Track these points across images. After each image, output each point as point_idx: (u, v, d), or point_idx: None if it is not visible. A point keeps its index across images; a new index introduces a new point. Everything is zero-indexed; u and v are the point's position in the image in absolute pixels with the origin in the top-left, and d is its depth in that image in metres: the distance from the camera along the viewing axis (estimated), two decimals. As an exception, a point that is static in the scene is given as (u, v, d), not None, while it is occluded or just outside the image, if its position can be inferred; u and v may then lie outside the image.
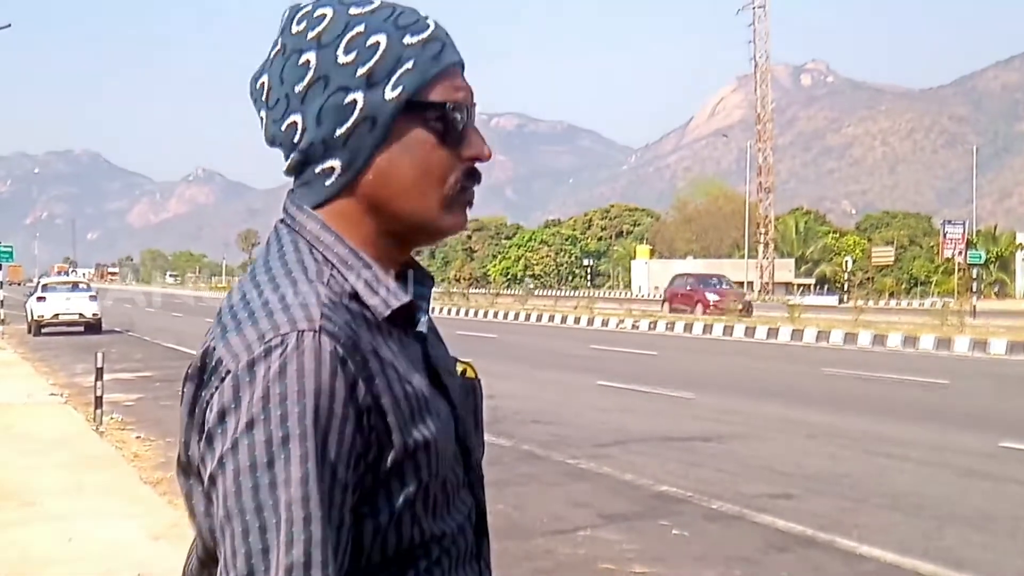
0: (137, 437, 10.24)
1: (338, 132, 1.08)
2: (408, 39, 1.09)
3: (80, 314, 27.80)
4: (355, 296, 1.08)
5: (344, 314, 1.04)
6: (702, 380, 15.96)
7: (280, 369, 0.98)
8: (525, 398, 13.38)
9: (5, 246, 32.83)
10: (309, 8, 1.12)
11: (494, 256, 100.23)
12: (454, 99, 1.11)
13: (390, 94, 1.08)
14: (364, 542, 1.05)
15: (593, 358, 20.25)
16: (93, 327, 27.81)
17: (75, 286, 29.70)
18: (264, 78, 1.12)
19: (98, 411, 10.88)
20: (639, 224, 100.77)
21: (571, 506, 7.38)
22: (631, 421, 11.52)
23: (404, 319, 1.11)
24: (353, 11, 1.10)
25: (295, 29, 1.11)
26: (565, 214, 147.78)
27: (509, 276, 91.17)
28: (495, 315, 38.29)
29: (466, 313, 40.11)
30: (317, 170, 1.11)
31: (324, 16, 1.10)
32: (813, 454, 9.52)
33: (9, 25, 36.14)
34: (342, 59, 1.08)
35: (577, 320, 33.61)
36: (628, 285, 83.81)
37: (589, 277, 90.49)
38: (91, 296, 28.46)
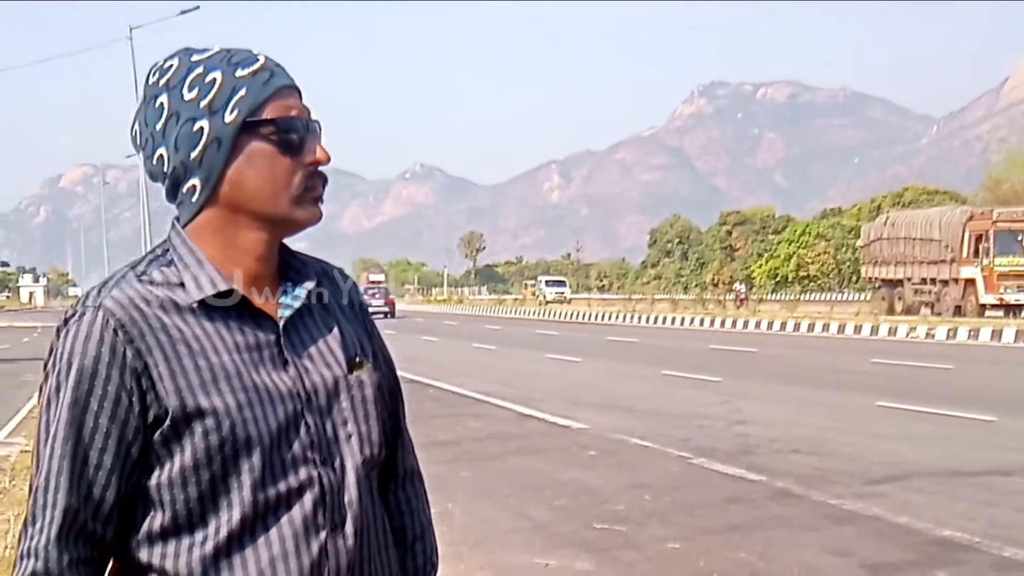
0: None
1: (193, 155, 1.57)
2: (240, 72, 1.57)
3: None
4: (181, 286, 1.58)
5: (140, 299, 1.55)
6: (1007, 399, 15.22)
7: (66, 335, 1.54)
8: (784, 424, 13.21)
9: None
10: (160, 62, 1.62)
11: (759, 255, 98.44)
12: (286, 115, 1.58)
13: (229, 117, 1.55)
14: (160, 493, 1.53)
15: (874, 374, 19.65)
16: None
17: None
18: (136, 126, 1.64)
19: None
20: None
21: (830, 555, 7.28)
22: (913, 451, 11.16)
23: (250, 309, 1.60)
24: (195, 58, 1.60)
25: (151, 81, 1.61)
26: (848, 201, 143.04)
27: (777, 278, 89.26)
28: (756, 325, 37.79)
29: (722, 323, 39.75)
30: (184, 190, 1.60)
31: (171, 66, 1.61)
32: None
33: (198, 7, 38.68)
34: (187, 96, 1.57)
35: (858, 329, 32.64)
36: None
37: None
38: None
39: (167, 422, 1.52)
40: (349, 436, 1.63)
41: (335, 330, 1.68)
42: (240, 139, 1.56)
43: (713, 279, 77.28)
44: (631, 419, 13.99)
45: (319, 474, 1.58)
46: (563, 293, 78.55)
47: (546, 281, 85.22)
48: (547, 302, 71.13)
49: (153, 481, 1.54)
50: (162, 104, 1.59)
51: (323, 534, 1.57)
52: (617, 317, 48.88)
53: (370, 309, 1.84)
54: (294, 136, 1.58)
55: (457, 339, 35.88)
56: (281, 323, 1.62)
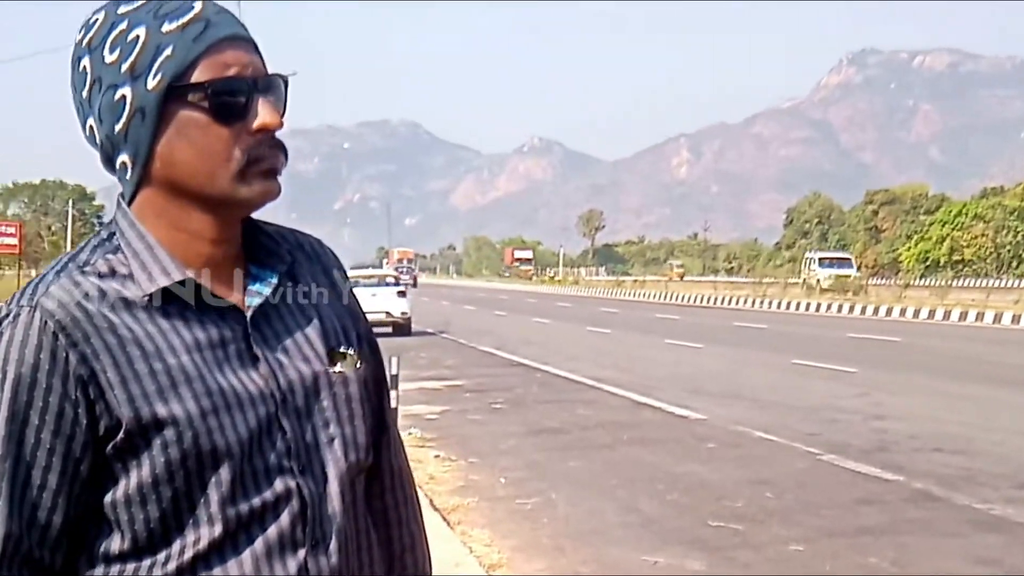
0: (436, 456, 10.98)
1: (117, 128, 1.43)
2: (167, 26, 1.40)
3: (387, 313, 29.71)
4: (130, 277, 1.45)
5: (83, 296, 1.42)
6: None
7: (0, 337, 1.42)
8: (926, 419, 12.95)
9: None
10: (88, 17, 1.47)
11: (908, 236, 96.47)
12: (222, 75, 1.42)
13: (152, 83, 1.40)
14: (117, 513, 1.43)
15: (1034, 369, 19.09)
16: (402, 328, 29.79)
17: (381, 281, 31.73)
18: (71, 91, 1.50)
19: (393, 425, 11.69)
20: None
21: (972, 563, 7.11)
22: (1074, 453, 10.79)
23: (212, 300, 1.47)
24: (121, 10, 1.43)
25: (77, 38, 1.47)
26: (1012, 179, 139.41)
27: (927, 262, 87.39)
28: (902, 312, 37.05)
29: (863, 310, 39.07)
30: (116, 166, 1.48)
31: (96, 21, 1.45)
32: None
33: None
34: (108, 58, 1.42)
35: (1016, 319, 31.77)
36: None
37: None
38: (399, 292, 30.47)
39: (120, 434, 1.42)
40: (331, 440, 1.53)
41: (314, 317, 1.56)
42: (167, 107, 1.42)
43: (857, 262, 75.93)
44: (755, 410, 13.85)
45: (298, 485, 1.48)
46: (848, 276, 54.82)
47: (820, 259, 62.10)
48: (822, 289, 51.71)
49: (108, 500, 1.44)
50: (85, 68, 1.46)
51: (302, 552, 1.48)
52: (745, 302, 48.48)
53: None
54: (232, 99, 1.43)
55: (570, 322, 35.93)
56: (249, 314, 1.50)
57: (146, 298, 1.45)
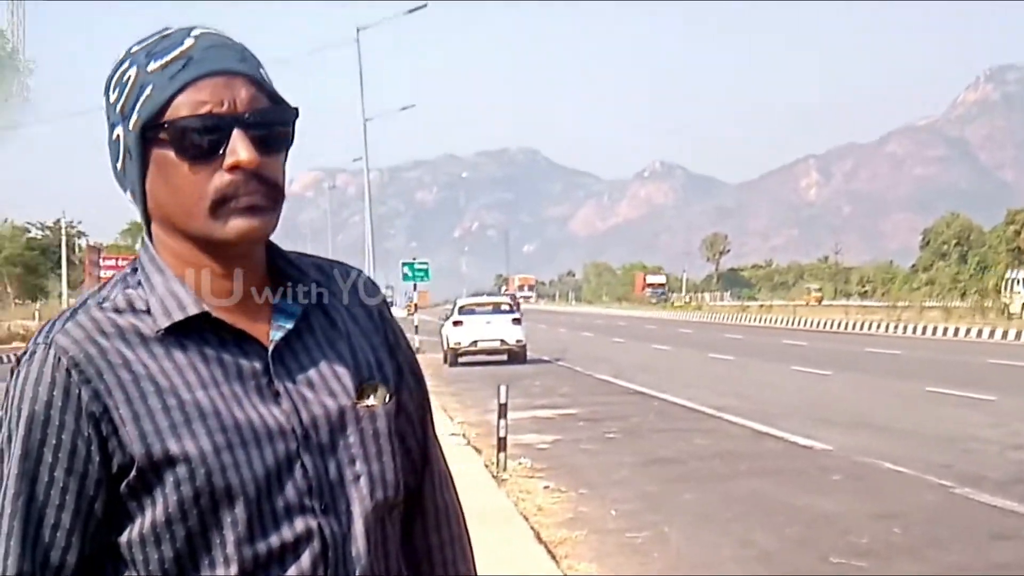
0: (545, 487, 10.88)
1: (117, 166, 1.49)
2: (152, 65, 1.44)
3: (502, 340, 29.96)
4: (148, 311, 1.47)
5: (98, 332, 1.44)
6: None
7: (16, 377, 1.45)
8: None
9: (420, 263, 36.06)
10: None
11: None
12: (194, 114, 1.42)
13: (132, 123, 1.44)
14: (132, 552, 1.44)
15: None
16: (517, 356, 29.90)
17: (496, 308, 31.91)
18: None
19: (501, 455, 11.68)
20: None
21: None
22: None
23: (232, 332, 1.48)
24: (132, 48, 1.48)
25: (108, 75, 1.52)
26: None
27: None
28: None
29: (1004, 334, 38.02)
30: (128, 201, 1.53)
31: (116, 60, 1.50)
32: None
33: (425, 5, 39.84)
34: (112, 98, 1.47)
35: None
36: None
37: None
38: (514, 319, 30.62)
39: (133, 472, 1.42)
40: (357, 477, 1.50)
41: (343, 350, 1.55)
42: (147, 147, 1.44)
43: (996, 285, 73.90)
44: (884, 440, 13.49)
45: (319, 525, 1.46)
46: None
47: None
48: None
49: (124, 539, 1.44)
50: (104, 107, 1.50)
51: None
52: (879, 327, 47.51)
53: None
54: (201, 137, 1.42)
55: (691, 348, 35.71)
56: (271, 347, 1.50)
57: (161, 332, 1.46)
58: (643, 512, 9.67)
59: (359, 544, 1.48)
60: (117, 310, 1.47)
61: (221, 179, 1.42)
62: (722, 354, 31.22)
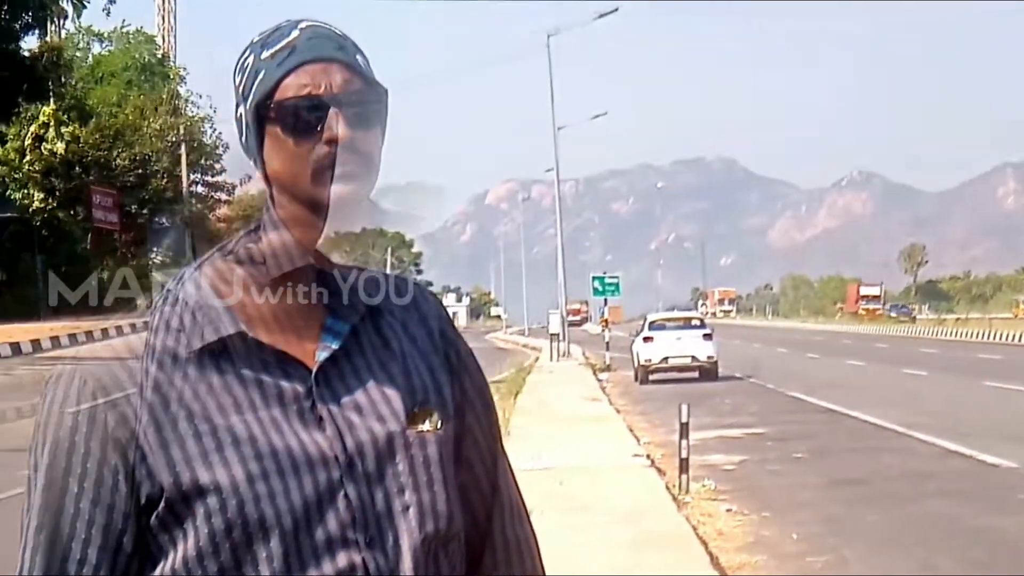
0: (728, 510, 10.80)
1: (242, 140, 1.54)
2: (265, 53, 1.53)
3: (693, 356, 29.49)
4: (182, 331, 1.44)
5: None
6: None
7: (44, 398, 1.43)
8: None
9: (611, 277, 35.71)
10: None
11: None
12: (298, 95, 1.48)
13: (250, 103, 1.51)
14: None
15: None
16: (708, 373, 29.43)
17: (687, 324, 31.45)
18: None
19: (683, 476, 11.59)
20: None
21: None
22: None
23: (272, 352, 1.44)
24: (255, 39, 1.57)
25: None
26: None
27: None
28: None
29: None
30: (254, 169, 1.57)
31: (242, 48, 1.60)
32: None
33: (616, 8, 39.58)
34: (236, 81, 1.55)
35: None
36: None
37: None
38: (706, 335, 30.05)
39: (162, 503, 1.37)
40: (406, 508, 1.43)
41: (396, 372, 1.49)
42: (261, 124, 1.51)
43: None
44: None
45: (363, 559, 1.38)
46: None
47: None
48: None
49: (157, 574, 1.39)
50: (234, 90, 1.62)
51: None
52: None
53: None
54: (301, 116, 1.49)
55: (886, 363, 34.78)
56: (315, 368, 1.45)
57: (194, 352, 1.42)
58: (825, 535, 9.59)
59: (385, 565, 1.40)
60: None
61: (320, 151, 1.47)
62: (917, 370, 30.36)
